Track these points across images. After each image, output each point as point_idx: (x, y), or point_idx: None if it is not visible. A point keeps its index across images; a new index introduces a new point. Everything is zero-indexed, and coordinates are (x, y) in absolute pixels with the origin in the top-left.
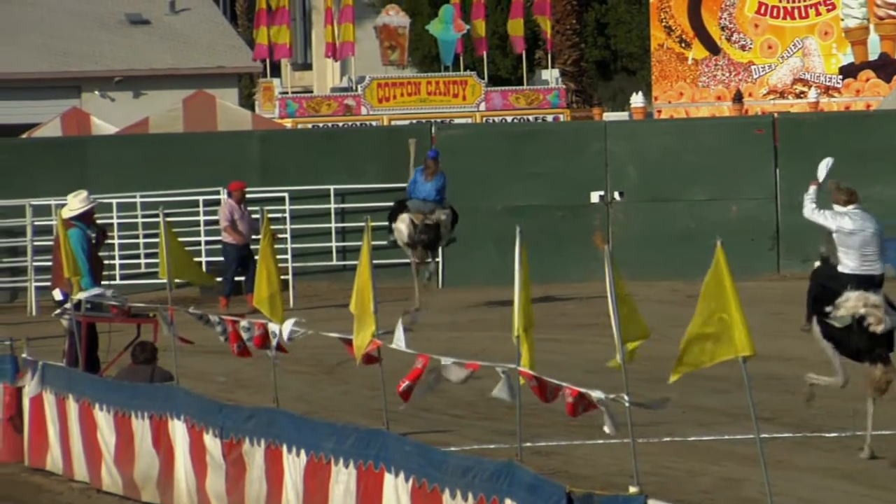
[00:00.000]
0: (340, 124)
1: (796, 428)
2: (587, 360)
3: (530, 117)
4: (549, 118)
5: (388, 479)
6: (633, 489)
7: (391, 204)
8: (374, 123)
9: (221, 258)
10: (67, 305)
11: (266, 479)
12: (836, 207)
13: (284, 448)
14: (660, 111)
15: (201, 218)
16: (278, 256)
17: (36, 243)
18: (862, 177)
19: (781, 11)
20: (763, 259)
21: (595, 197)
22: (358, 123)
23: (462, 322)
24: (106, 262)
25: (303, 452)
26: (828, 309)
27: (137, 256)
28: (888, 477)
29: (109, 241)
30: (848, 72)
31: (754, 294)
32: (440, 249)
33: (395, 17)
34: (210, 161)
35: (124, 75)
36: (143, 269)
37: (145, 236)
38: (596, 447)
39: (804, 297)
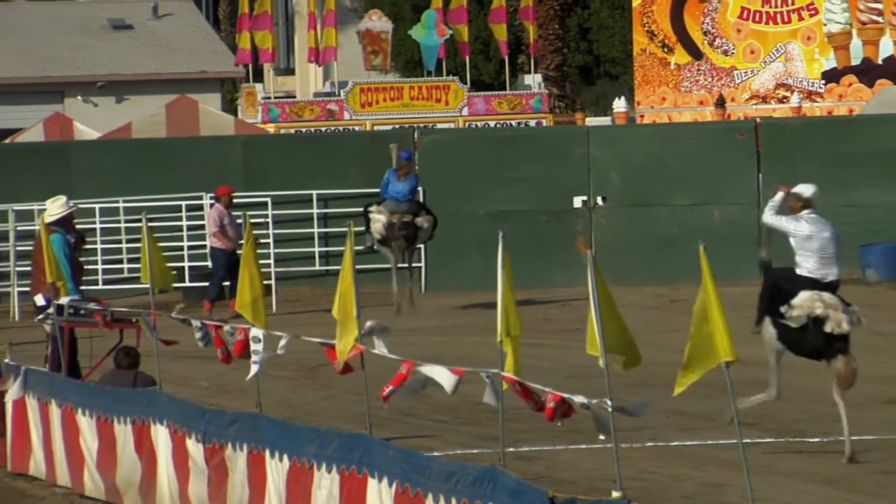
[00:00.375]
0: (323, 129)
1: (779, 433)
2: (570, 366)
3: (513, 122)
4: (532, 123)
5: (372, 484)
6: (615, 494)
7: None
8: (356, 128)
9: (208, 263)
10: (50, 310)
11: (248, 484)
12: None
13: (267, 453)
14: (642, 116)
15: (184, 223)
16: (261, 261)
17: (19, 248)
18: (844, 182)
19: (764, 16)
20: (745, 264)
21: (578, 202)
22: (341, 128)
23: (446, 327)
24: (88, 266)
25: (285, 457)
26: (783, 309)
27: (120, 261)
28: (870, 482)
29: (92, 246)
30: (830, 77)
31: (737, 299)
32: (422, 253)
33: (378, 22)
34: (193, 166)
35: (107, 80)
36: (125, 274)
37: (128, 241)
38: (579, 452)
39: None
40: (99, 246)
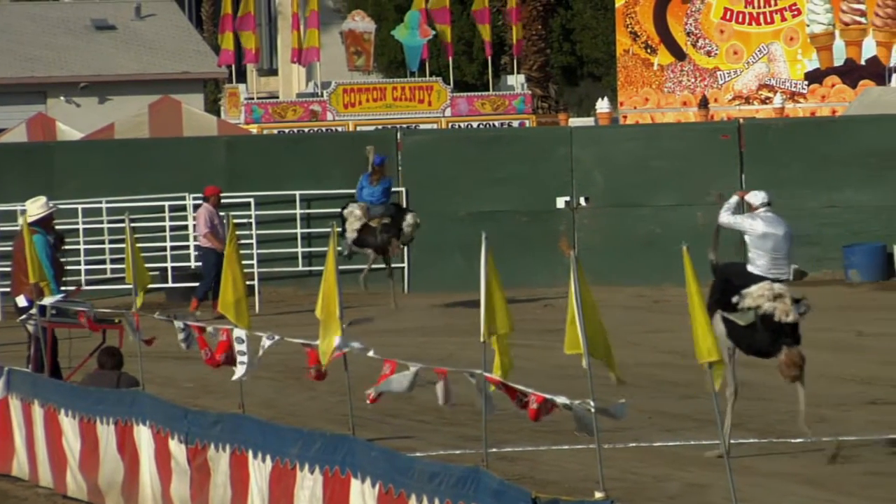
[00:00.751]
0: (306, 130)
1: (762, 433)
2: (553, 366)
3: (496, 123)
4: (515, 124)
5: (355, 484)
6: (599, 495)
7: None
8: (339, 129)
9: (191, 264)
10: (33, 311)
11: (231, 484)
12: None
13: (250, 453)
14: (625, 117)
15: (167, 223)
16: (244, 262)
17: (2, 249)
18: (827, 183)
19: (747, 17)
20: None
21: (561, 202)
22: (324, 129)
23: (429, 328)
24: (71, 267)
25: (268, 458)
26: (734, 299)
27: (103, 262)
28: (853, 482)
29: (75, 247)
30: (813, 77)
31: None
32: (405, 254)
33: (361, 23)
34: (176, 166)
35: (90, 81)
36: (108, 275)
37: (111, 241)
38: (562, 453)
39: None
40: (82, 246)
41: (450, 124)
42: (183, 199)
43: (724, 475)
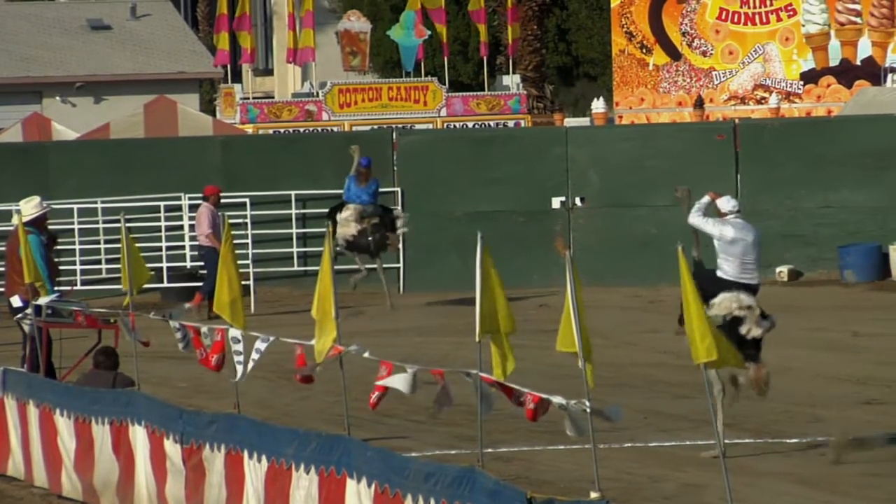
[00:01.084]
0: (301, 130)
1: (757, 434)
2: (549, 366)
3: (491, 123)
4: (511, 124)
5: (351, 484)
6: (594, 495)
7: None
8: (335, 129)
9: (186, 264)
10: (28, 311)
11: (226, 484)
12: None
13: (245, 454)
14: (621, 117)
15: (162, 223)
16: (239, 262)
17: None
18: (822, 183)
19: (742, 17)
20: None
21: (556, 202)
22: (319, 129)
23: (425, 327)
24: (67, 267)
25: (264, 458)
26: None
27: (98, 262)
28: (849, 482)
29: (70, 247)
30: (809, 77)
31: None
32: (400, 253)
33: (357, 23)
34: (171, 166)
35: (85, 81)
36: (104, 275)
37: (106, 242)
38: (557, 453)
39: (765, 302)
40: (77, 246)
41: (445, 124)
42: (178, 199)
43: (720, 475)
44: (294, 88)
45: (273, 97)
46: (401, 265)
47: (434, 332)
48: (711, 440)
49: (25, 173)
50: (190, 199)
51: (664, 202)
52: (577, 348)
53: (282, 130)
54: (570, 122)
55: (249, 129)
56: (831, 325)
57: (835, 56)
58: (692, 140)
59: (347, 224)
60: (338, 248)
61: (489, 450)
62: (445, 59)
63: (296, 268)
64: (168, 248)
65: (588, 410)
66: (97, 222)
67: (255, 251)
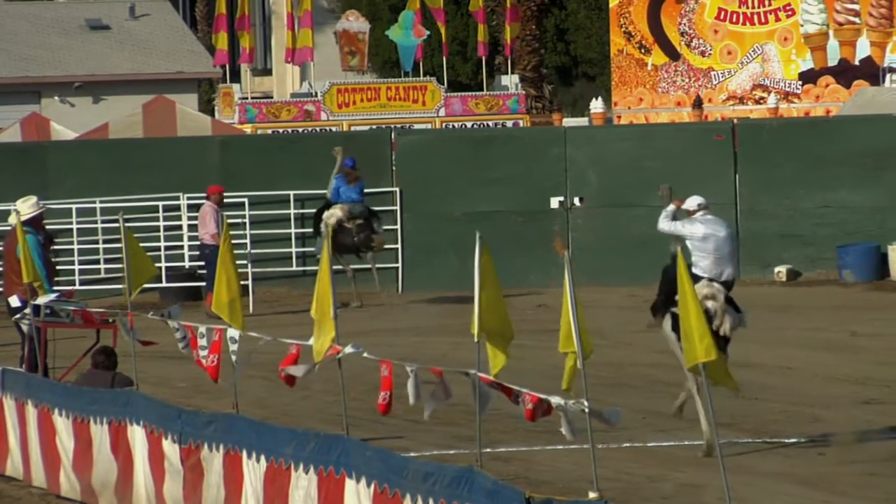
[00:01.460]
0: (300, 130)
1: (756, 433)
2: (548, 366)
3: (490, 123)
4: (509, 124)
5: (350, 484)
6: (593, 495)
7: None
8: (333, 129)
9: (185, 264)
10: (27, 311)
11: (224, 484)
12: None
13: (244, 453)
14: (619, 117)
15: (161, 223)
16: (238, 262)
17: None
18: (821, 183)
19: (741, 17)
20: None
21: (555, 202)
22: (318, 129)
23: (423, 327)
24: (65, 267)
25: (262, 458)
26: (678, 297)
27: (97, 262)
28: (847, 482)
29: (69, 247)
30: (807, 77)
31: None
32: (398, 253)
33: (355, 23)
34: (170, 166)
35: (84, 81)
36: (102, 275)
37: (105, 241)
38: (556, 453)
39: (763, 302)
40: (76, 246)
41: (444, 124)
42: (177, 198)
43: (718, 475)
44: (293, 88)
45: (272, 97)
46: (399, 265)
47: (432, 332)
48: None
49: (24, 173)
50: (188, 198)
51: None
52: (577, 348)
53: (280, 130)
54: (569, 122)
55: (248, 128)
56: (830, 325)
57: (833, 56)
58: (691, 140)
59: (331, 217)
60: (317, 251)
61: (488, 450)
62: (444, 58)
63: (294, 268)
64: (167, 248)
65: (586, 411)
66: (96, 222)
67: (253, 251)
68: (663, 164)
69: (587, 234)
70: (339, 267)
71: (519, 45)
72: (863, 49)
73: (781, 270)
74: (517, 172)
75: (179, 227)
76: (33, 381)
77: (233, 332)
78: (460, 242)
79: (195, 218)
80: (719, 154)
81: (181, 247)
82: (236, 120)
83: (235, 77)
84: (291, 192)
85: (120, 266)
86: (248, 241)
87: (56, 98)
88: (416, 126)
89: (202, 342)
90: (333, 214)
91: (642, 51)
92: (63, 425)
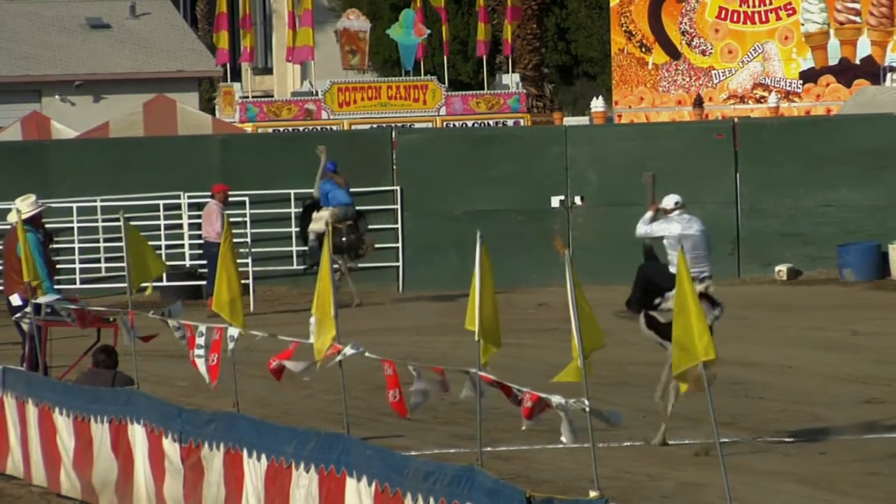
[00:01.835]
0: (301, 129)
1: (756, 432)
2: (548, 365)
3: (491, 122)
4: (510, 123)
5: (350, 483)
6: (593, 494)
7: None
8: (334, 128)
9: (186, 262)
10: (28, 309)
11: (225, 483)
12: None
13: (245, 452)
14: (620, 116)
15: (161, 222)
16: (238, 260)
17: None
18: (821, 182)
19: (742, 16)
20: (723, 263)
21: (556, 201)
22: (318, 128)
23: (423, 326)
24: (66, 265)
25: (263, 457)
26: (657, 301)
27: (98, 260)
28: (847, 481)
29: (69, 245)
30: (808, 76)
31: None
32: (399, 252)
33: (356, 22)
34: (170, 165)
35: (84, 79)
36: (103, 273)
37: (105, 240)
38: (556, 452)
39: (764, 301)
40: (76, 245)
41: (444, 123)
42: (177, 197)
43: (719, 474)
44: (293, 87)
45: (272, 96)
46: (400, 264)
47: (432, 331)
48: (710, 438)
49: (25, 172)
50: (189, 197)
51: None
52: (577, 349)
53: (281, 129)
54: (570, 121)
55: (249, 127)
56: (830, 324)
57: (834, 55)
58: (691, 139)
59: (319, 221)
60: (310, 244)
61: (488, 449)
62: (445, 57)
63: (295, 267)
64: (167, 247)
65: (587, 410)
66: (96, 221)
67: (254, 250)
68: (664, 164)
69: (588, 233)
70: (336, 267)
71: (520, 44)
72: (863, 48)
73: (782, 269)
74: (518, 171)
75: (180, 226)
76: (34, 379)
77: (233, 331)
78: (461, 241)
79: (196, 217)
80: (720, 153)
81: (182, 246)
82: (237, 119)
83: (236, 76)
84: (292, 191)
85: (120, 265)
86: (248, 239)
87: (57, 97)
88: (417, 125)
89: (200, 341)
90: (322, 217)
91: (643, 50)
92: (63, 424)
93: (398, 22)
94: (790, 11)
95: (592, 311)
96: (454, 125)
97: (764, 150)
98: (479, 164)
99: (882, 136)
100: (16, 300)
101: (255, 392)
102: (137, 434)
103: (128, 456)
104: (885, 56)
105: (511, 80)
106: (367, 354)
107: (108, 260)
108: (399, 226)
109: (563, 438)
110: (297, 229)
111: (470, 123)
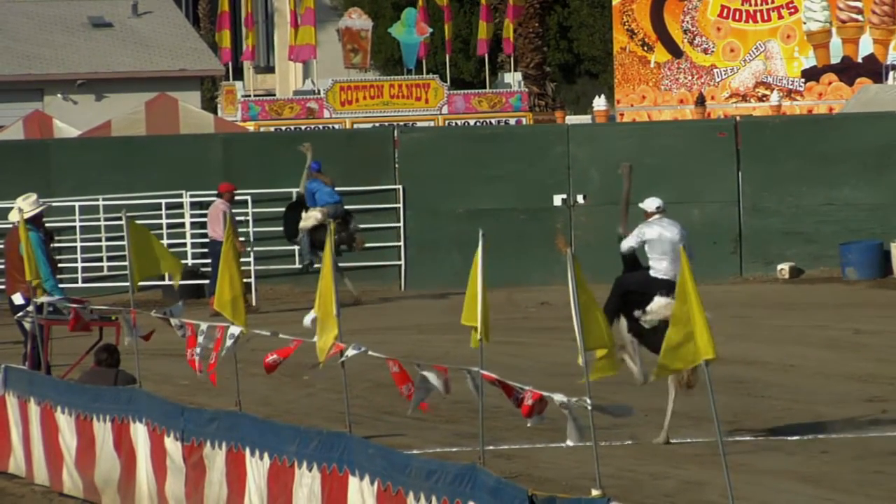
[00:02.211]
0: (303, 127)
1: (758, 431)
2: (550, 364)
3: (493, 120)
4: (512, 121)
5: (353, 482)
6: (595, 492)
7: (349, 207)
8: (336, 126)
9: (188, 261)
10: (30, 309)
11: (227, 481)
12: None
13: (247, 451)
14: (622, 114)
15: (164, 221)
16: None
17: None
18: (824, 180)
19: (744, 15)
20: (725, 262)
21: (558, 200)
22: (320, 126)
23: (425, 325)
24: (68, 264)
25: (266, 455)
26: (637, 313)
27: (100, 259)
28: (849, 480)
29: (72, 244)
30: (810, 75)
31: (717, 298)
32: (401, 251)
33: (358, 20)
34: (172, 164)
35: (87, 78)
36: (105, 272)
37: (108, 239)
38: (559, 450)
39: (766, 299)
40: (79, 244)
41: (447, 122)
42: (180, 196)
43: (721, 472)
44: (295, 86)
45: (274, 95)
46: (402, 262)
47: (434, 330)
48: (712, 437)
49: (27, 171)
50: (191, 196)
51: (665, 200)
52: (580, 347)
53: (283, 128)
54: (572, 119)
55: (251, 126)
56: (832, 323)
57: (836, 53)
58: (693, 138)
59: (309, 220)
60: (301, 242)
61: (490, 447)
62: (447, 56)
63: (297, 265)
64: (169, 246)
65: (589, 408)
66: (98, 220)
67: (256, 248)
68: (666, 162)
69: (590, 232)
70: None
71: (522, 43)
72: (865, 46)
73: (784, 268)
74: (520, 170)
75: (182, 225)
76: (36, 378)
77: (234, 330)
78: (463, 240)
79: (197, 216)
80: (722, 152)
81: (184, 244)
82: (239, 118)
83: (238, 75)
84: (294, 190)
85: (123, 264)
86: (251, 238)
87: (59, 95)
88: (419, 124)
89: (200, 340)
90: (312, 216)
91: (645, 48)
92: (66, 423)
93: (400, 20)
94: (792, 10)
95: (599, 310)
96: (456, 124)
97: (766, 149)
98: (481, 163)
99: (884, 135)
100: (18, 299)
101: (257, 391)
102: (139, 433)
103: (130, 455)
104: (887, 54)
105: (513, 78)
106: (369, 353)
107: (110, 259)
108: (401, 224)
109: (568, 441)
110: (282, 228)
111: (472, 122)
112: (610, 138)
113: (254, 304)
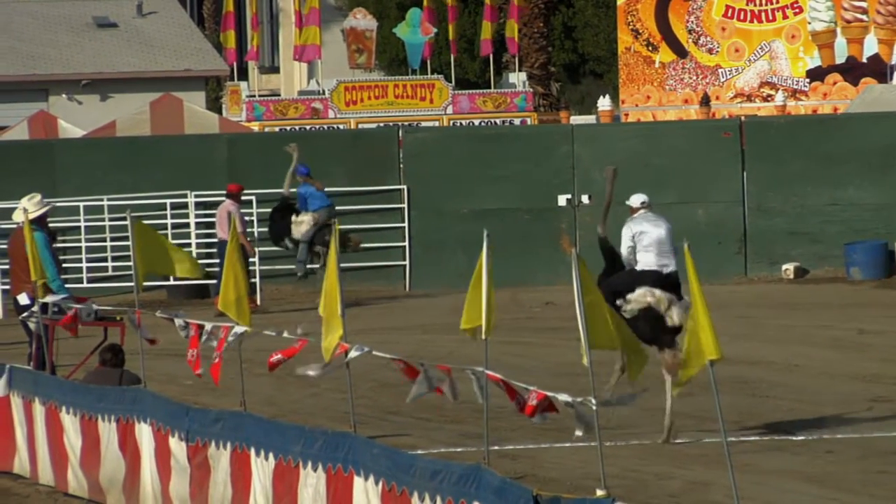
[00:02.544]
0: (308, 128)
1: (763, 431)
2: (555, 364)
3: (497, 120)
4: (517, 121)
5: (358, 482)
6: (600, 492)
7: (353, 207)
8: (341, 127)
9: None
10: (35, 308)
11: (232, 482)
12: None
13: (252, 451)
14: (627, 114)
15: (168, 221)
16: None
17: (3, 247)
18: (828, 180)
19: (748, 15)
20: (730, 262)
21: (562, 200)
22: (325, 127)
23: (430, 325)
24: (73, 265)
25: (271, 456)
26: (619, 302)
27: (105, 259)
28: (854, 480)
29: (76, 244)
30: (815, 75)
31: (722, 298)
32: (406, 251)
33: (363, 21)
34: (177, 164)
35: (91, 78)
36: (110, 272)
37: (112, 239)
38: (563, 450)
39: (771, 299)
40: (83, 244)
41: (451, 122)
42: (184, 196)
43: (726, 473)
44: (300, 86)
45: (279, 95)
46: (407, 262)
47: (439, 330)
48: (717, 437)
49: (32, 171)
50: (196, 196)
51: (670, 200)
52: (584, 347)
53: (288, 128)
54: (576, 119)
55: (255, 126)
56: (837, 323)
57: (841, 54)
58: (698, 138)
59: (301, 225)
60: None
61: (495, 447)
62: (452, 56)
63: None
64: None
65: (594, 408)
66: (103, 220)
67: (261, 249)
68: (671, 162)
69: (594, 232)
70: (316, 266)
71: (526, 43)
72: (870, 46)
73: (789, 268)
74: (525, 170)
75: (187, 225)
76: (41, 378)
77: (238, 330)
78: (468, 240)
79: (201, 216)
80: (727, 151)
81: (189, 245)
82: (244, 118)
83: (243, 75)
84: (299, 191)
85: (127, 264)
86: (255, 238)
87: (63, 96)
88: (424, 124)
89: (203, 340)
90: (304, 221)
91: (650, 48)
92: (70, 423)
93: (405, 21)
94: (797, 10)
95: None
96: (461, 124)
97: (771, 149)
98: (486, 163)
99: (889, 135)
100: (23, 299)
101: (261, 391)
102: (144, 433)
103: (135, 455)
104: (892, 54)
105: (518, 78)
106: (374, 353)
107: (114, 259)
108: (406, 225)
109: (577, 432)
110: (267, 230)
111: (477, 122)
112: (614, 138)
113: (259, 303)
